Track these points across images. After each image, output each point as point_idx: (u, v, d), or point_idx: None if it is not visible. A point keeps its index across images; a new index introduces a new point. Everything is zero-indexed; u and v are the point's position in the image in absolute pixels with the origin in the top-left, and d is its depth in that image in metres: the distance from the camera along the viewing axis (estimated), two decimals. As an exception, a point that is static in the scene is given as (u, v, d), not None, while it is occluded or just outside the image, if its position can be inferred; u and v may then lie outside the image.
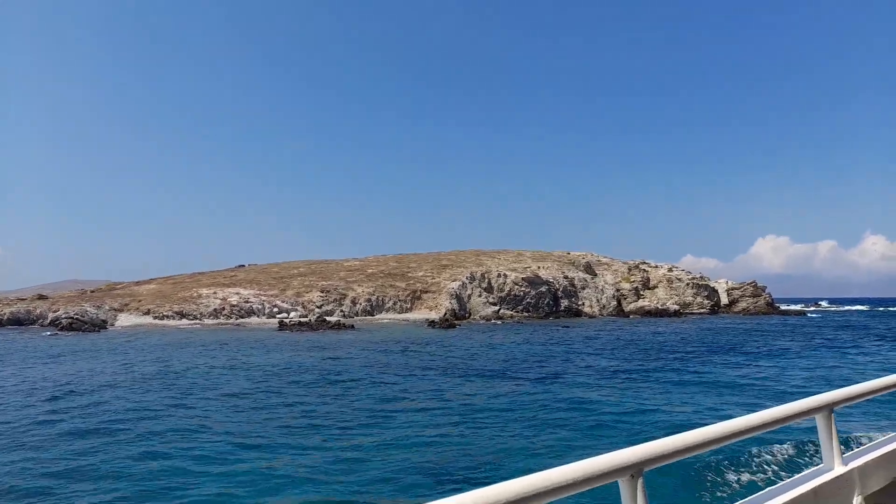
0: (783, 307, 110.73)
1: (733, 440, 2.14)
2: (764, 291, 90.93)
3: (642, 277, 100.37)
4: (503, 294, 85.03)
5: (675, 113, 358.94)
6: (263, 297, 71.05)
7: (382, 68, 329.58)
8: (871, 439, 3.34)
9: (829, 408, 2.62)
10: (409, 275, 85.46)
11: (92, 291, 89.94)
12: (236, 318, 66.41)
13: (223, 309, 67.76)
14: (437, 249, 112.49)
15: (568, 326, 56.86)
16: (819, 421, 2.65)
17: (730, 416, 2.24)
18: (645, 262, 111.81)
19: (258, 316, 67.78)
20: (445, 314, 77.32)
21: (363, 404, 16.33)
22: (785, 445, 11.09)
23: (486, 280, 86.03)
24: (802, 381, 20.18)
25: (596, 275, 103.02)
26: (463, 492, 1.38)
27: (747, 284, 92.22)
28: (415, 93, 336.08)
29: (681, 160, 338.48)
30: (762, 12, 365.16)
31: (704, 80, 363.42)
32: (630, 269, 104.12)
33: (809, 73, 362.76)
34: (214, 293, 73.01)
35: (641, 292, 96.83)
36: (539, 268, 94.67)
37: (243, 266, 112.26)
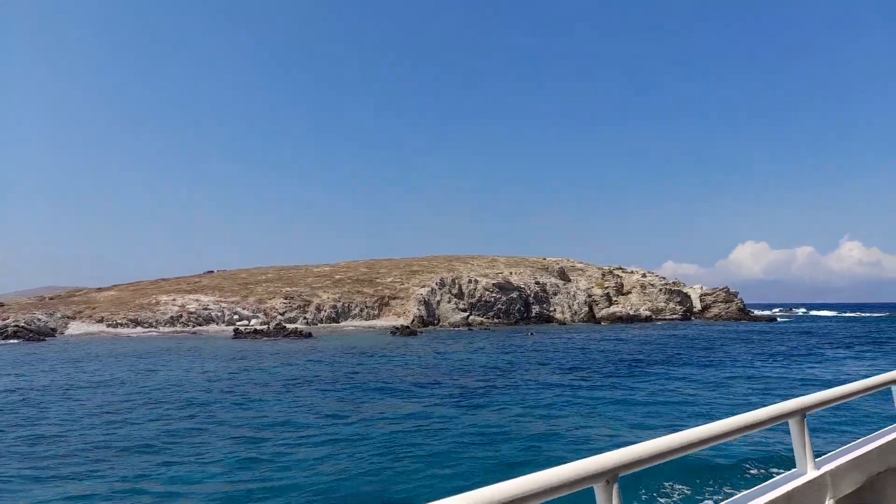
0: (758, 312, 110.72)
1: (707, 445, 2.13)
2: (736, 297, 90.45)
3: (616, 283, 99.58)
4: (474, 300, 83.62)
5: (658, 119, 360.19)
6: (224, 304, 68.94)
7: (388, 66, 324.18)
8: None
9: (801, 413, 2.62)
10: (378, 280, 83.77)
11: (51, 298, 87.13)
12: (193, 326, 64.27)
13: (181, 316, 65.57)
14: (427, 254, 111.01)
15: (532, 333, 55.52)
16: (792, 426, 2.64)
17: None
18: (619, 268, 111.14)
19: (217, 323, 65.68)
20: (413, 320, 75.78)
21: (242, 431, 14.70)
22: (759, 450, 11.12)
23: (457, 286, 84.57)
24: (741, 398, 18.89)
25: (570, 280, 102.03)
26: None
27: (719, 290, 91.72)
28: (416, 90, 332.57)
29: (661, 165, 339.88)
30: (752, 13, 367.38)
31: (687, 85, 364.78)
32: (604, 275, 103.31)
33: (792, 79, 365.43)
34: (174, 300, 70.75)
35: (615, 298, 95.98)
36: (511, 273, 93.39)
37: (212, 272, 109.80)
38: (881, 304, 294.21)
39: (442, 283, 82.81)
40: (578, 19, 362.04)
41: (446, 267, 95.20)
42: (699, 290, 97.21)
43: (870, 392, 3.16)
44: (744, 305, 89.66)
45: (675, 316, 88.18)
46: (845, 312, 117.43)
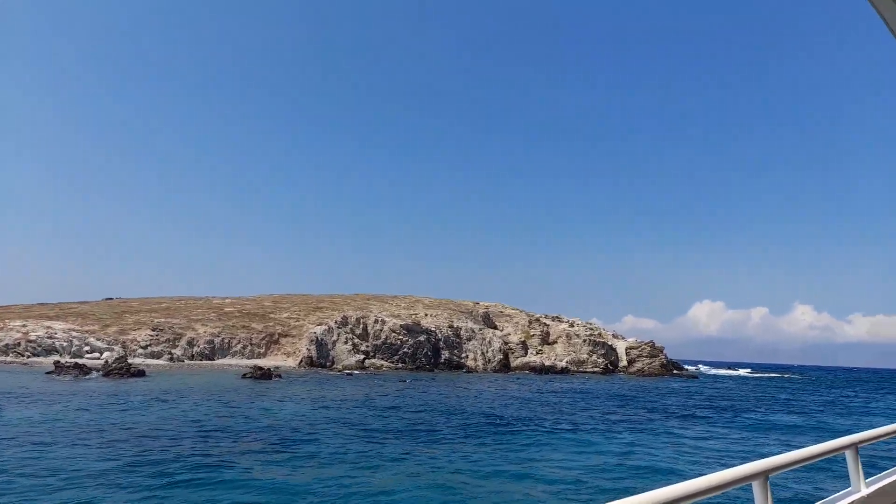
0: (691, 368, 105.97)
1: None
2: (661, 353, 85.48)
3: (542, 331, 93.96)
4: (378, 342, 76.53)
5: (626, 172, 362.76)
6: (75, 334, 60.44)
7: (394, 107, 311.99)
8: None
9: (764, 475, 2.60)
10: (271, 316, 76.17)
11: None
12: (29, 356, 55.60)
13: (18, 344, 56.88)
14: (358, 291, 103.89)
15: (404, 381, 48.58)
16: (755, 488, 2.63)
17: None
18: (548, 316, 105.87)
19: (61, 355, 57.06)
20: (301, 361, 68.29)
21: None
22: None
23: (362, 325, 77.50)
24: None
25: (495, 326, 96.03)
26: None
27: (644, 344, 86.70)
28: (403, 127, 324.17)
29: (624, 220, 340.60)
30: (715, 74, 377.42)
31: (651, 145, 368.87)
32: (530, 322, 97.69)
33: (754, 146, 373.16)
34: (24, 325, 61.97)
35: (540, 347, 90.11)
36: (426, 315, 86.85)
37: (111, 299, 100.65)
38: (831, 368, 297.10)
39: (344, 322, 75.68)
40: (546, 72, 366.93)
41: (359, 305, 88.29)
42: (626, 344, 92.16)
43: (828, 455, 3.17)
44: (667, 361, 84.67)
45: (596, 369, 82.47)
46: (762, 373, 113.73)
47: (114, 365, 45.11)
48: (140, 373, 45.13)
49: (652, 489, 1.92)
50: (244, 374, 47.35)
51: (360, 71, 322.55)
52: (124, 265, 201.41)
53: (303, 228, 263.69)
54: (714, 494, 2.22)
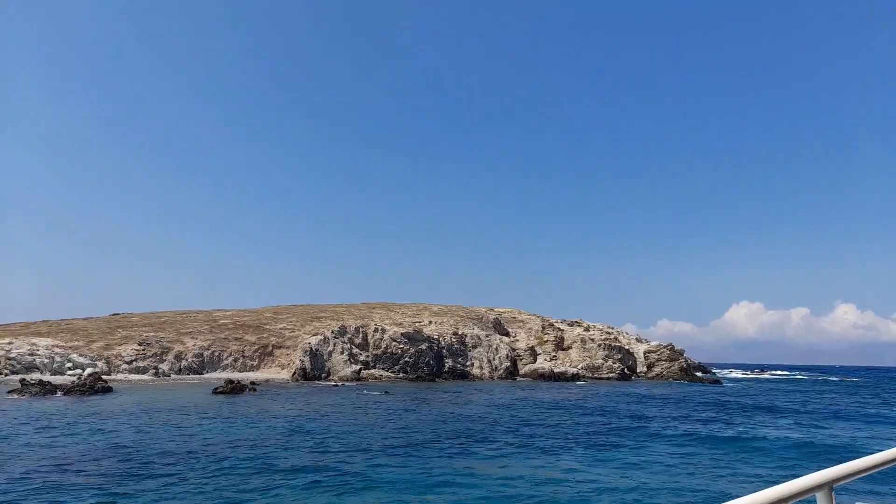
0: (720, 372, 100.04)
1: None
2: (682, 356, 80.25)
3: (556, 337, 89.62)
4: (379, 351, 73.43)
5: (659, 176, 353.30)
6: (58, 350, 58.83)
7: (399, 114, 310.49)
8: None
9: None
10: (266, 327, 73.70)
11: None
12: (8, 374, 54.06)
13: (-2, 362, 55.44)
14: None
15: (382, 393, 45.18)
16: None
17: None
18: (564, 321, 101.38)
19: (42, 372, 55.47)
20: (294, 373, 65.57)
21: None
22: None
23: (362, 335, 74.55)
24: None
25: (507, 332, 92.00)
26: None
27: (664, 347, 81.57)
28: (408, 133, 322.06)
29: (655, 222, 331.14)
30: (753, 68, 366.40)
31: (690, 146, 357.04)
32: (544, 328, 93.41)
33: (786, 143, 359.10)
34: (10, 343, 60.66)
35: (554, 353, 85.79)
36: (431, 322, 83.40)
37: (117, 314, 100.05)
38: (875, 368, 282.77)
39: (342, 332, 72.77)
40: (574, 71, 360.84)
41: (362, 314, 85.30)
42: (645, 347, 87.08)
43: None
44: (688, 365, 79.37)
45: (612, 374, 77.72)
46: (798, 374, 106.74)
47: (77, 382, 42.90)
48: (106, 389, 42.84)
49: None
50: (215, 389, 44.61)
51: (363, 73, 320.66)
52: (141, 280, 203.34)
53: (309, 236, 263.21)
54: None
